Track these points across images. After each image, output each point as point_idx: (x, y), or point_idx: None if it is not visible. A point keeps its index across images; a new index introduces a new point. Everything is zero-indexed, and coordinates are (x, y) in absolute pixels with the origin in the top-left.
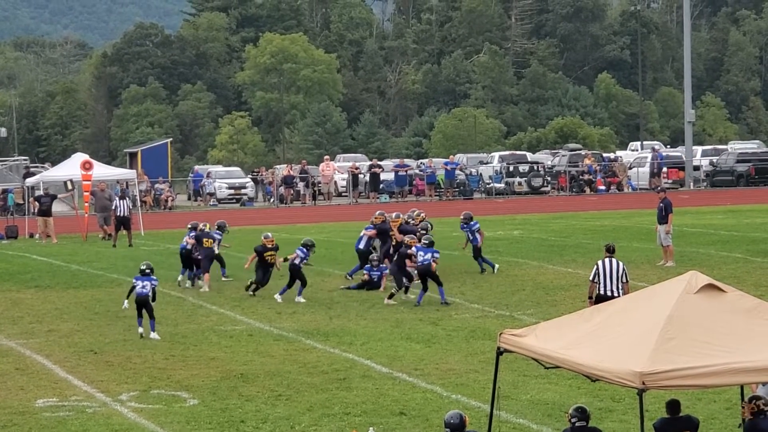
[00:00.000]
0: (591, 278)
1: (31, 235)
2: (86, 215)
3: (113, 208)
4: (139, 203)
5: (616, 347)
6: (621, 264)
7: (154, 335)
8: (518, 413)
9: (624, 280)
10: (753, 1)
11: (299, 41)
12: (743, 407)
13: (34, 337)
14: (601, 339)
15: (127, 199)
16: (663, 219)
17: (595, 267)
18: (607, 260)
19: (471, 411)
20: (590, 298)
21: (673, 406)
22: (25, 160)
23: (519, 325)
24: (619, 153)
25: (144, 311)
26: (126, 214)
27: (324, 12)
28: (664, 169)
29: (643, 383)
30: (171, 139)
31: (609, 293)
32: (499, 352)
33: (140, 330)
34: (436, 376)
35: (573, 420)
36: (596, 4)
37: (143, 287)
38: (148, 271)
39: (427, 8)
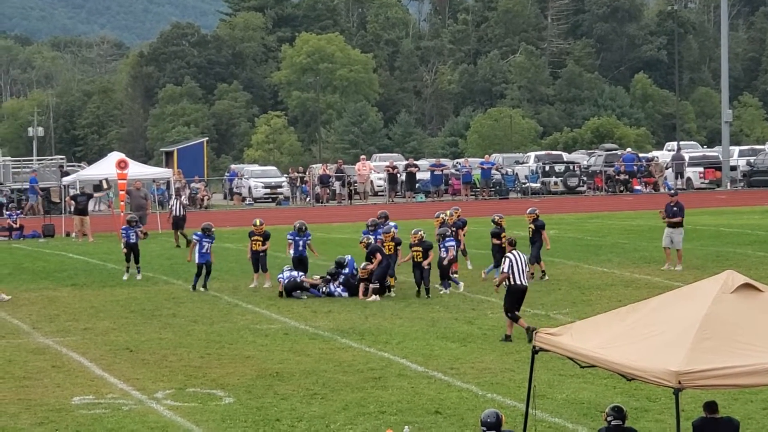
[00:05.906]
0: (505, 269)
1: (68, 234)
2: (122, 214)
3: (169, 207)
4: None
5: (651, 346)
6: (523, 255)
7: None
8: (554, 412)
9: (527, 269)
10: None
11: (335, 41)
12: None
13: (71, 335)
14: (637, 338)
15: (182, 197)
16: (677, 222)
17: (508, 260)
18: (516, 252)
19: (506, 410)
20: (497, 286)
21: (711, 406)
22: (62, 158)
23: (554, 324)
24: (655, 153)
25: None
26: (179, 213)
27: (360, 12)
28: (701, 169)
29: (680, 383)
30: (207, 138)
31: (520, 283)
32: (535, 351)
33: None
34: (472, 375)
35: (609, 419)
36: (633, 4)
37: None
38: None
39: (463, 8)
